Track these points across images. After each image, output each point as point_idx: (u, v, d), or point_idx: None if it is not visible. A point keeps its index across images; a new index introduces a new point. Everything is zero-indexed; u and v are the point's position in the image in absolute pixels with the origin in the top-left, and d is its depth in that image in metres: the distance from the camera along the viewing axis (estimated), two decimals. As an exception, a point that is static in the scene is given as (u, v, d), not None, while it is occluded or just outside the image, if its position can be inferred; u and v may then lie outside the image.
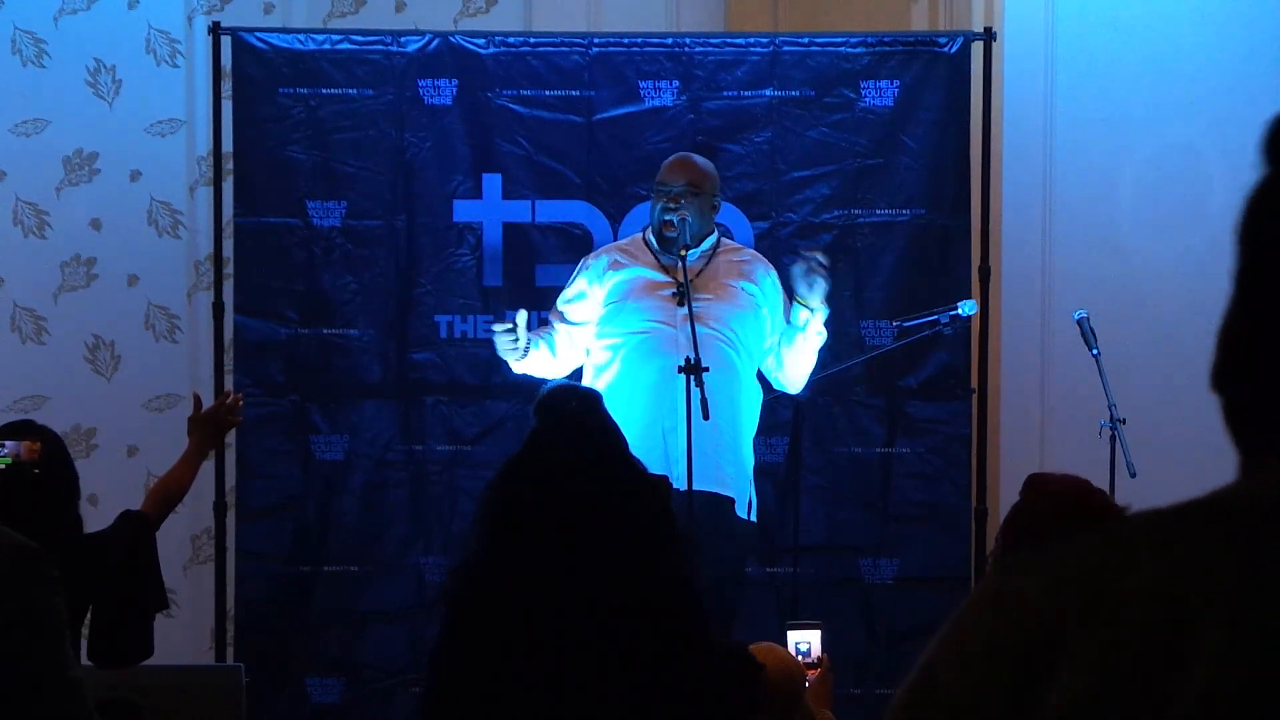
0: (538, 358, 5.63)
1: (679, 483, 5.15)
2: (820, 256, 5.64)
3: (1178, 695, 0.98)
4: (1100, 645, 1.01)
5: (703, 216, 5.62)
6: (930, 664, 1.11)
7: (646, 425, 5.31)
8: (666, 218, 5.56)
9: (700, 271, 5.56)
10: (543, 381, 5.69)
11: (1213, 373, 1.09)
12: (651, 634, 2.86)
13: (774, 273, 5.70)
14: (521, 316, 5.58)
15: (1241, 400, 1.08)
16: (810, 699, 3.60)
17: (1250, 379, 1.07)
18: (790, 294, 5.63)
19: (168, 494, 4.57)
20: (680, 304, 5.38)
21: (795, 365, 5.64)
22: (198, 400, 4.91)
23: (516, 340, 5.53)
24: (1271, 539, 1.02)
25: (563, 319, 5.69)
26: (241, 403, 5.06)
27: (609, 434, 3.13)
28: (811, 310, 5.57)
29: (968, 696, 1.07)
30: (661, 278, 5.56)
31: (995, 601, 1.09)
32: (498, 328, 5.59)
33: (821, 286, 5.58)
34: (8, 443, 4.12)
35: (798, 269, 5.61)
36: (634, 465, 3.06)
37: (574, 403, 3.19)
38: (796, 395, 5.91)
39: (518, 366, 5.65)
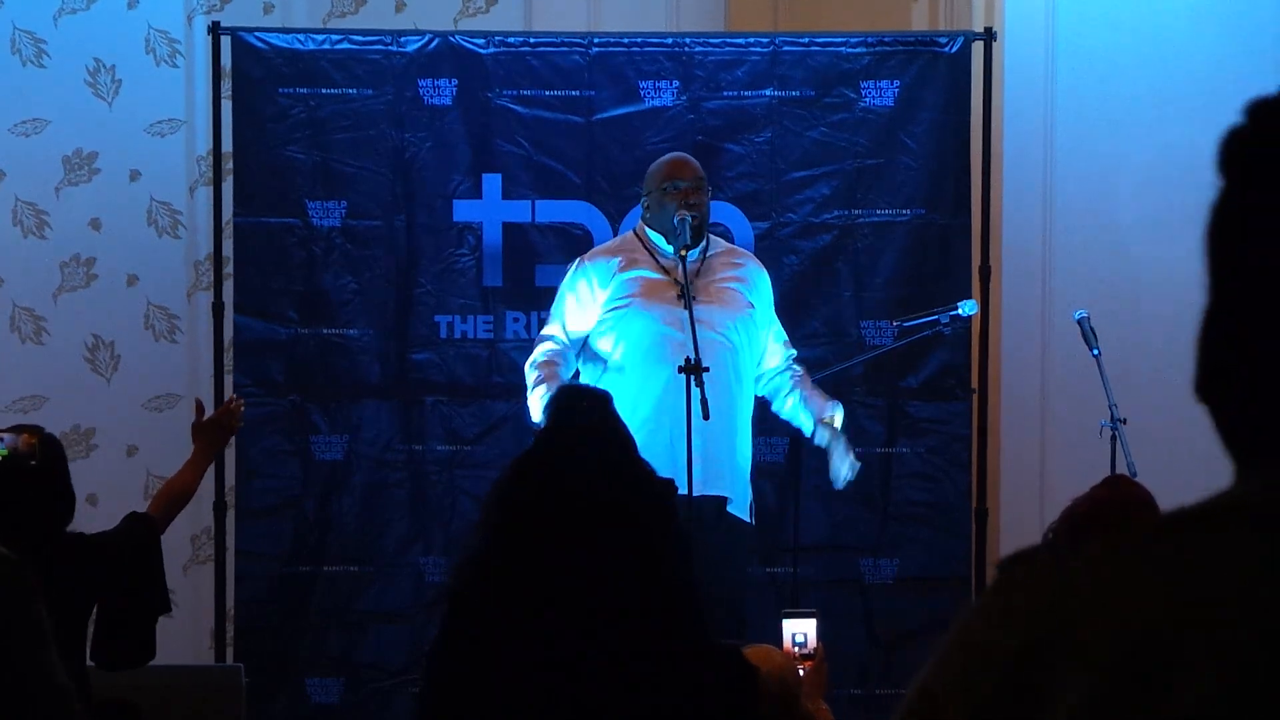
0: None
1: (686, 487, 5.16)
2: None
3: (1175, 706, 0.98)
4: (1099, 653, 1.01)
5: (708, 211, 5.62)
6: (928, 676, 1.10)
7: (654, 429, 5.29)
8: (687, 214, 5.48)
9: (697, 273, 5.53)
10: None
11: (1195, 383, 1.10)
12: (652, 636, 2.86)
13: (765, 272, 5.69)
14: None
15: (1228, 408, 1.09)
16: (803, 693, 3.60)
17: (1232, 386, 1.08)
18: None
19: (173, 498, 4.59)
20: (685, 307, 5.36)
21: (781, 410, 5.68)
22: (200, 406, 4.92)
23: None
24: (1270, 546, 1.02)
25: (565, 333, 5.61)
26: (243, 407, 5.08)
27: (619, 435, 3.13)
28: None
29: (965, 708, 1.06)
30: (665, 279, 5.52)
31: (993, 611, 1.09)
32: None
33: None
34: (5, 435, 4.13)
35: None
36: (642, 467, 3.06)
37: (585, 403, 3.19)
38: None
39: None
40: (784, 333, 5.70)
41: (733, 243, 6.01)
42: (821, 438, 5.58)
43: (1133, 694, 0.99)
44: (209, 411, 4.92)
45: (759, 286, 5.62)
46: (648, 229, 5.59)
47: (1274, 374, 1.06)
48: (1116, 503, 3.41)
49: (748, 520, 5.57)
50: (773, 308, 5.65)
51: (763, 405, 5.75)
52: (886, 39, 6.29)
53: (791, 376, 5.64)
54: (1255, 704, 0.97)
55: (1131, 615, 1.02)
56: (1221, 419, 1.09)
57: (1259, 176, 1.09)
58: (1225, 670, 0.98)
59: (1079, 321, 6.03)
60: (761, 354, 5.63)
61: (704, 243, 5.58)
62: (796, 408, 5.61)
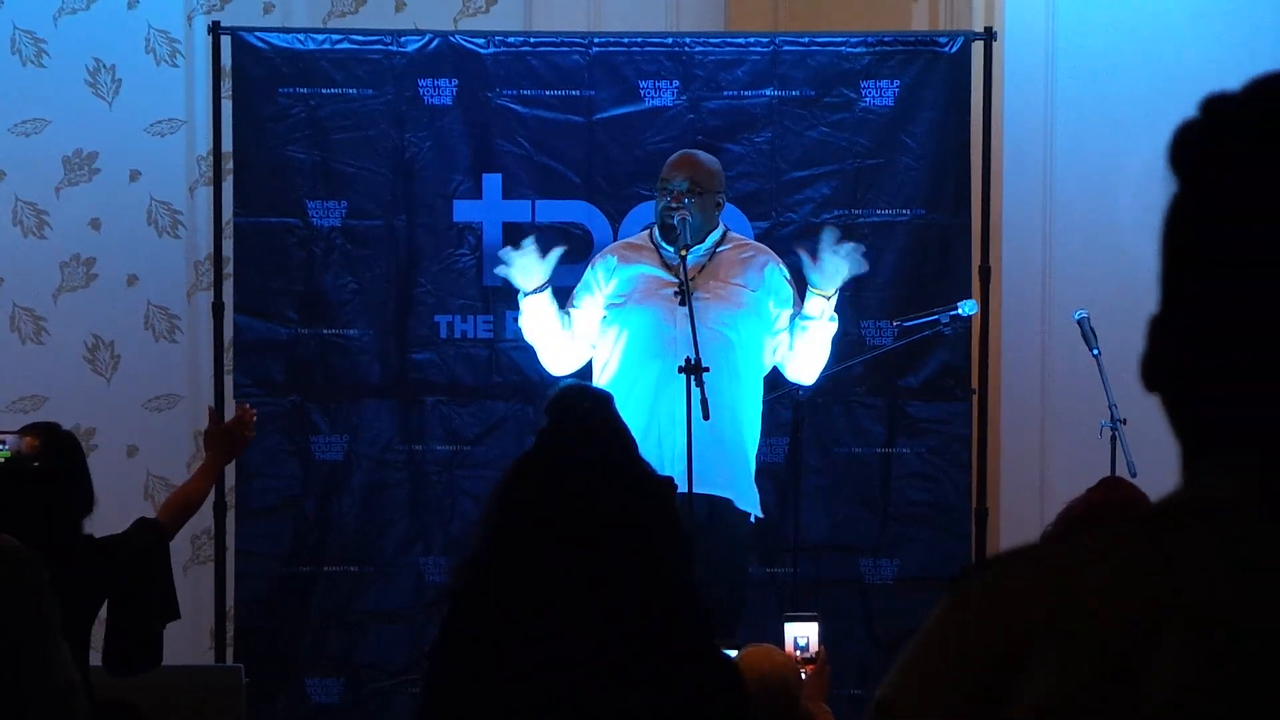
0: (546, 311, 5.59)
1: (684, 485, 5.15)
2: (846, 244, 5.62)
3: (1140, 704, 0.99)
4: (1062, 657, 1.02)
5: (705, 214, 5.60)
6: (890, 690, 1.11)
7: (645, 427, 5.29)
8: (669, 219, 5.54)
9: (702, 269, 5.55)
10: (546, 378, 5.71)
11: (1143, 372, 1.12)
12: (652, 637, 2.86)
13: (778, 264, 5.68)
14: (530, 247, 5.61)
15: (1184, 401, 1.10)
16: (805, 696, 3.60)
17: (1181, 378, 1.09)
18: (802, 284, 5.61)
19: (183, 505, 4.63)
20: (682, 304, 5.36)
21: (808, 355, 5.60)
22: (212, 414, 4.95)
23: (531, 266, 5.53)
24: (1236, 543, 1.03)
25: (574, 308, 5.66)
26: (255, 417, 5.09)
27: (619, 435, 3.14)
28: (827, 298, 5.55)
29: (941, 712, 1.06)
30: (666, 276, 5.55)
31: (953, 621, 1.09)
32: (509, 255, 5.60)
33: (843, 271, 5.56)
34: (7, 437, 4.15)
35: (831, 251, 5.56)
36: (643, 467, 3.06)
37: (586, 403, 3.20)
38: (798, 395, 5.91)
39: (528, 308, 5.60)
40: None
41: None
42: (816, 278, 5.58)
43: (1106, 690, 1.00)
44: (221, 417, 4.94)
45: (768, 278, 5.61)
46: (655, 227, 5.65)
47: (1230, 371, 1.07)
48: (1113, 505, 3.39)
49: (757, 515, 5.57)
50: (789, 297, 5.63)
51: (767, 405, 5.73)
52: (886, 39, 6.29)
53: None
54: (1225, 699, 0.98)
55: (1106, 614, 1.02)
56: (1175, 411, 1.10)
57: (1210, 173, 1.10)
58: (1196, 665, 0.99)
59: (1079, 321, 6.03)
60: (774, 348, 5.62)
61: (715, 239, 5.60)
62: (802, 323, 5.59)
